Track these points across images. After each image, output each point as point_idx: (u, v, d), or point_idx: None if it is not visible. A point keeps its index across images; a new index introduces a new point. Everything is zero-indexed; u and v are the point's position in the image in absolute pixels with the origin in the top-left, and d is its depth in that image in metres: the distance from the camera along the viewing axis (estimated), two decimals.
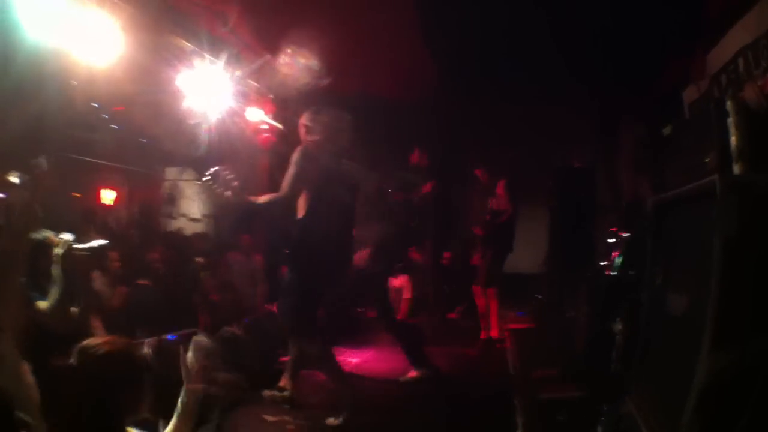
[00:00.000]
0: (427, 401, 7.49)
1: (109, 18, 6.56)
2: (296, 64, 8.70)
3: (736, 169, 3.43)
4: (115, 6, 6.58)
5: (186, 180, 14.53)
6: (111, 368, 3.27)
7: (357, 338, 10.39)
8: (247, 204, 6.83)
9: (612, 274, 7.16)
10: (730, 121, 3.44)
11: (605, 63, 9.05)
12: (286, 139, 10.30)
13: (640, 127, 9.82)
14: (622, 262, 7.02)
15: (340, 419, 6.53)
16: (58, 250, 4.78)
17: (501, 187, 10.27)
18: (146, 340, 6.60)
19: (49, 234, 5.14)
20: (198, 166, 12.53)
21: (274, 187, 12.47)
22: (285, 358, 8.59)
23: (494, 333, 10.31)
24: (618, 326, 5.65)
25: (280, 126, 11.01)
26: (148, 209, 14.87)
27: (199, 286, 10.25)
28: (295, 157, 6.59)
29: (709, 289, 3.09)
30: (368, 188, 7.58)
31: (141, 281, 9.11)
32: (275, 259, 11.99)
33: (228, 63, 8.59)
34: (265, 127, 11.00)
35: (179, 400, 3.81)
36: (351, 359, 9.35)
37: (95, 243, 5.00)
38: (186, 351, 6.78)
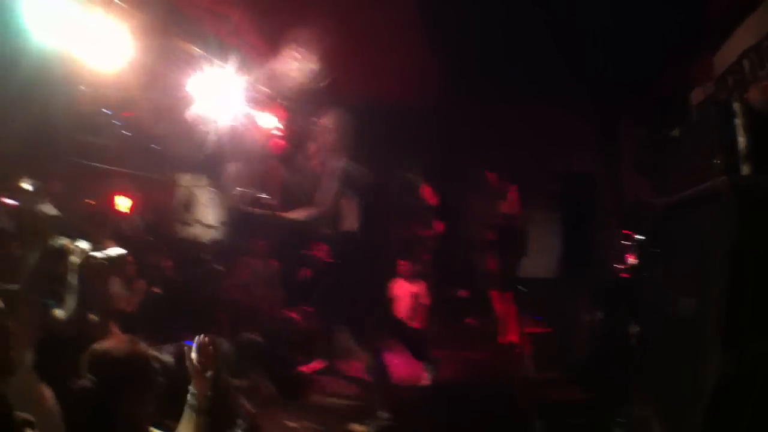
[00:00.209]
0: (444, 406, 7.48)
1: (118, 23, 6.60)
2: (303, 67, 8.72)
3: (744, 170, 3.45)
4: (124, 11, 6.62)
5: (200, 186, 14.56)
6: (123, 369, 3.29)
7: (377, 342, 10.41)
8: (285, 222, 6.81)
9: (626, 276, 7.17)
10: (737, 122, 3.46)
11: (610, 65, 9.04)
12: (296, 142, 10.33)
13: (647, 130, 9.80)
14: (638, 265, 7.03)
15: (366, 426, 6.54)
16: (74, 259, 4.79)
17: (513, 190, 10.27)
18: (165, 347, 6.66)
19: (65, 242, 5.17)
20: (211, 171, 12.57)
21: (285, 191, 12.59)
22: (305, 367, 8.66)
23: (513, 337, 10.30)
24: (630, 329, 5.66)
25: (290, 130, 11.03)
26: (161, 216, 14.93)
27: (215, 292, 10.28)
28: (337, 171, 6.57)
29: (715, 291, 3.10)
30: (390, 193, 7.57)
31: (155, 288, 9.14)
32: (292, 264, 12.04)
33: (237, 67, 8.62)
34: (276, 131, 11.02)
35: (187, 402, 3.81)
36: None
37: (112, 251, 5.02)
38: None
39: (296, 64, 8.73)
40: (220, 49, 8.38)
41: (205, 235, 14.73)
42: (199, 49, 8.10)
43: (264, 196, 6.60)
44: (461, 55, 9.70)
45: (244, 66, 8.75)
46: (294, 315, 10.38)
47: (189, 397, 3.79)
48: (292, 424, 6.67)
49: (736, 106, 3.50)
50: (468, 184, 12.05)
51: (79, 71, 7.02)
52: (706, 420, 3.02)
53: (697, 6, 6.96)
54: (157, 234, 13.48)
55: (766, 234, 3.06)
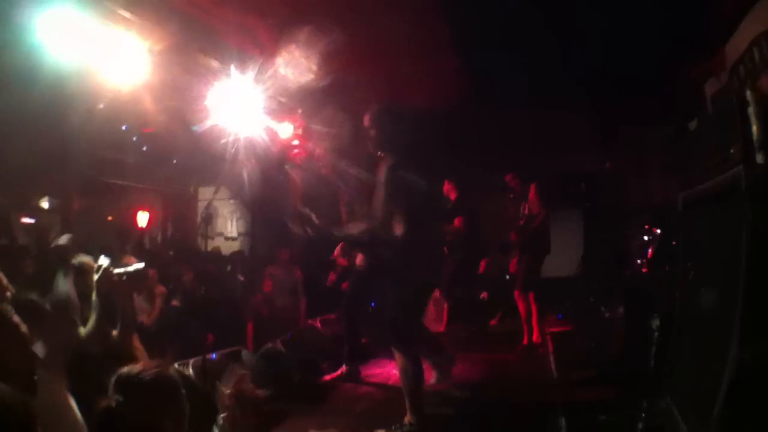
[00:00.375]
0: (469, 409, 7.45)
1: (138, 38, 6.64)
2: (321, 75, 8.73)
3: (759, 159, 3.41)
4: (143, 27, 6.66)
5: (220, 199, 14.62)
6: (156, 397, 3.17)
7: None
8: (335, 238, 6.76)
9: (647, 272, 7.14)
10: (750, 112, 3.43)
11: (628, 63, 9.03)
12: (316, 153, 10.33)
13: (668, 125, 9.77)
14: (656, 259, 7.00)
15: None
16: (94, 275, 4.80)
17: (533, 191, 10.23)
18: (191, 361, 6.68)
19: (86, 258, 5.19)
20: (231, 184, 12.62)
21: (307, 202, 12.61)
22: (329, 376, 8.65)
23: (535, 337, 10.27)
24: (654, 324, 5.64)
25: (309, 138, 11.04)
26: (183, 229, 15.01)
27: (239, 304, 10.32)
28: (386, 175, 6.36)
29: (733, 283, 3.09)
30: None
31: (177, 301, 9.17)
32: (316, 272, 12.07)
33: (257, 79, 8.63)
34: (296, 143, 11.04)
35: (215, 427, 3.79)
36: (395, 371, 9.36)
37: (132, 267, 5.03)
38: (229, 371, 6.89)
39: (318, 76, 8.73)
40: (240, 61, 8.39)
41: (227, 247, 14.81)
42: (219, 61, 8.13)
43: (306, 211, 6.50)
44: (482, 59, 9.71)
45: (264, 77, 8.75)
46: (317, 323, 10.40)
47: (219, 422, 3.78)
48: None
49: (749, 94, 3.47)
50: (488, 186, 12.03)
51: (98, 88, 7.07)
52: (722, 413, 3.00)
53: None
54: (178, 247, 13.55)
55: None
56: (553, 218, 10.46)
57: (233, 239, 15.88)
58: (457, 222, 10.09)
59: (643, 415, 4.95)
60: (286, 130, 10.56)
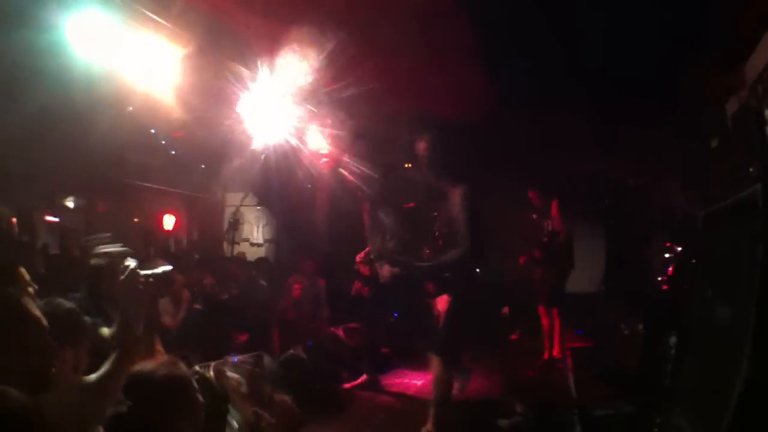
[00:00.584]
0: (489, 421, 7.44)
1: (168, 44, 6.72)
2: (351, 84, 8.76)
3: None
4: (174, 32, 6.73)
5: (247, 205, 14.70)
6: (162, 393, 3.22)
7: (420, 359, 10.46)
8: (425, 274, 6.80)
9: (667, 288, 7.13)
10: None
11: (647, 81, 9.03)
12: (342, 163, 10.37)
13: (690, 142, 9.73)
14: (677, 277, 6.99)
15: None
16: (121, 276, 4.83)
17: (554, 208, 10.23)
18: (212, 364, 6.73)
19: (112, 260, 5.23)
20: (259, 191, 12.70)
21: (333, 211, 12.65)
22: (349, 384, 8.70)
23: (556, 352, 10.25)
24: (672, 340, 5.64)
25: (339, 151, 11.07)
26: (208, 234, 15.09)
27: (262, 310, 10.36)
28: (462, 200, 6.52)
29: (748, 297, 3.10)
30: None
31: (201, 305, 9.21)
32: (339, 281, 12.11)
33: (286, 87, 8.67)
34: (325, 151, 11.06)
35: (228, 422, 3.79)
36: (415, 381, 9.38)
37: (159, 269, 5.06)
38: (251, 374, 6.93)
39: (344, 81, 8.77)
40: (269, 68, 8.44)
41: (253, 253, 14.87)
42: (248, 68, 8.18)
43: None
44: (507, 72, 9.72)
45: (294, 85, 8.79)
46: (340, 332, 10.44)
47: (232, 416, 3.78)
48: None
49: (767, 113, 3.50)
50: (511, 201, 12.01)
51: (127, 90, 7.14)
52: (731, 427, 3.01)
53: (729, 15, 6.93)
54: (204, 251, 13.63)
55: None
56: (576, 234, 10.46)
57: (259, 245, 15.95)
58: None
59: (656, 430, 4.96)
60: (315, 139, 10.60)
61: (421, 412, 7.01)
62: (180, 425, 3.24)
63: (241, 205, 14.11)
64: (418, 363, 10.07)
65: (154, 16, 6.47)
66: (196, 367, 5.64)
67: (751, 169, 3.58)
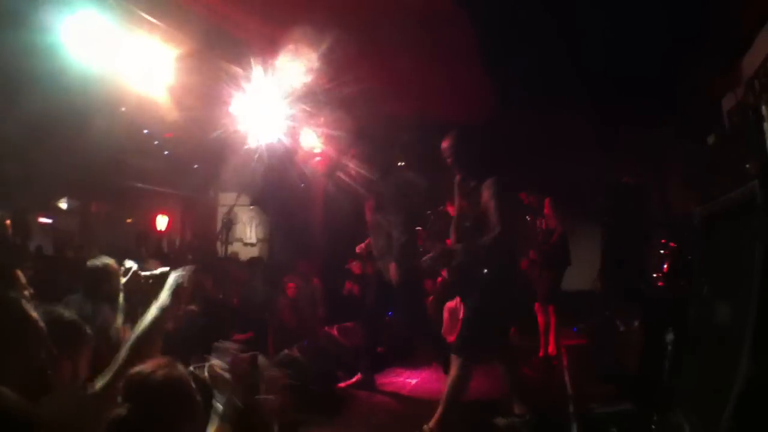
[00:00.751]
0: (485, 421, 7.42)
1: (161, 44, 6.71)
2: (344, 84, 8.75)
3: None
4: (167, 33, 6.73)
5: (240, 205, 14.68)
6: (160, 395, 3.12)
7: (415, 358, 10.45)
8: (472, 267, 6.78)
9: (663, 285, 7.14)
10: (766, 127, 3.45)
11: (644, 78, 9.04)
12: (338, 162, 10.36)
13: (687, 139, 9.76)
14: (673, 274, 7.00)
15: None
16: (122, 278, 4.83)
17: (547, 206, 10.24)
18: (207, 364, 6.70)
19: (109, 261, 5.23)
20: (252, 191, 12.69)
21: (328, 211, 12.65)
22: (344, 383, 8.69)
23: (551, 350, 10.26)
24: (669, 338, 5.65)
25: (332, 150, 11.05)
26: (201, 234, 15.08)
27: (257, 310, 10.34)
28: (496, 188, 6.46)
29: (747, 296, 3.10)
30: None
31: (196, 306, 9.18)
32: (333, 281, 12.11)
33: (279, 87, 8.65)
34: (318, 150, 11.05)
35: (213, 408, 3.76)
36: (409, 380, 9.37)
37: (158, 270, 5.06)
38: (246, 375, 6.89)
39: (337, 81, 8.77)
40: (263, 68, 8.43)
41: (246, 252, 14.87)
42: (241, 68, 8.18)
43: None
44: (506, 72, 9.73)
45: (287, 85, 8.78)
46: (334, 331, 10.42)
47: (215, 404, 3.74)
48: None
49: (765, 110, 3.50)
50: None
51: (120, 91, 7.13)
52: (729, 426, 3.01)
53: (724, 12, 6.95)
54: (197, 252, 13.61)
55: None
56: (570, 232, 10.47)
57: (252, 245, 15.96)
58: None
59: (653, 427, 4.96)
60: (308, 138, 10.59)
61: (416, 412, 7.01)
62: (180, 427, 3.22)
63: (235, 205, 14.10)
64: (412, 362, 10.09)
65: (149, 17, 6.47)
66: (191, 368, 5.62)
67: (748, 166, 3.59)
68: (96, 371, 3.65)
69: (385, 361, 9.88)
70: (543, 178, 11.28)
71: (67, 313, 3.65)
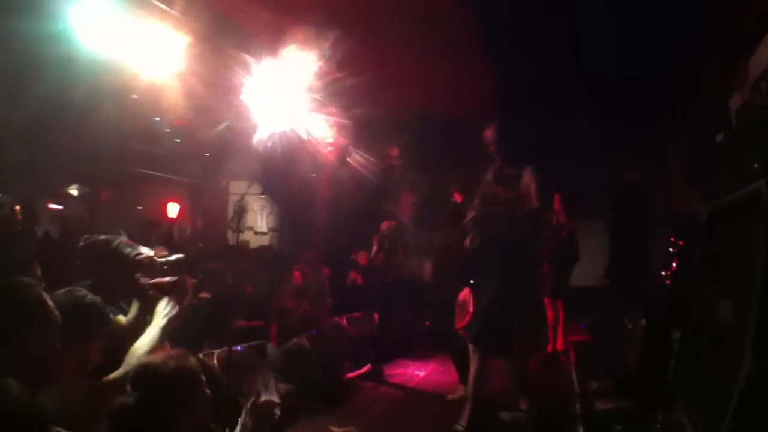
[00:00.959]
0: (492, 415, 7.41)
1: (172, 32, 6.71)
2: (355, 74, 8.74)
3: None
4: (178, 20, 6.72)
5: (251, 194, 14.68)
6: (175, 390, 3.17)
7: (422, 351, 10.48)
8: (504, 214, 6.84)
9: (670, 284, 7.12)
10: None
11: (654, 75, 9.01)
12: (348, 152, 10.37)
13: (693, 138, 9.72)
14: (680, 271, 6.99)
15: None
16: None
17: (557, 201, 10.23)
18: (216, 352, 6.72)
19: (126, 248, 5.22)
20: (263, 179, 12.68)
21: (337, 200, 12.65)
22: (353, 373, 8.71)
23: (559, 345, 10.24)
24: (674, 335, 5.64)
25: (345, 140, 11.04)
26: (212, 222, 15.11)
27: (265, 299, 10.36)
28: (536, 174, 6.71)
29: (750, 295, 3.09)
30: None
31: (205, 294, 9.18)
32: (341, 271, 12.11)
33: (291, 76, 8.64)
34: (330, 140, 11.04)
35: (241, 419, 3.77)
36: (417, 372, 9.39)
37: (173, 257, 5.06)
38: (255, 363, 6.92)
39: (353, 76, 8.77)
40: (274, 57, 8.43)
41: (256, 241, 14.89)
42: (252, 56, 8.17)
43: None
44: (509, 70, 9.70)
45: (299, 74, 8.77)
46: (343, 321, 10.43)
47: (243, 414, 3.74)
48: (336, 430, 6.68)
49: None
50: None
51: (131, 78, 7.13)
52: (732, 423, 3.01)
53: (731, 13, 6.92)
54: (208, 239, 13.63)
55: None
56: (580, 229, 10.46)
57: (263, 234, 16.00)
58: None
59: (658, 426, 4.95)
60: (320, 128, 10.58)
61: (423, 404, 7.03)
62: (186, 418, 3.22)
63: (246, 194, 14.10)
64: (420, 354, 10.10)
65: (159, 4, 6.46)
66: (200, 356, 5.64)
67: (755, 165, 3.56)
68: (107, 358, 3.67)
69: (392, 353, 9.90)
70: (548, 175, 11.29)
71: (89, 296, 3.66)
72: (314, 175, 12.55)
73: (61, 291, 3.32)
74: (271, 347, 8.18)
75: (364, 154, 10.21)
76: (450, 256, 8.20)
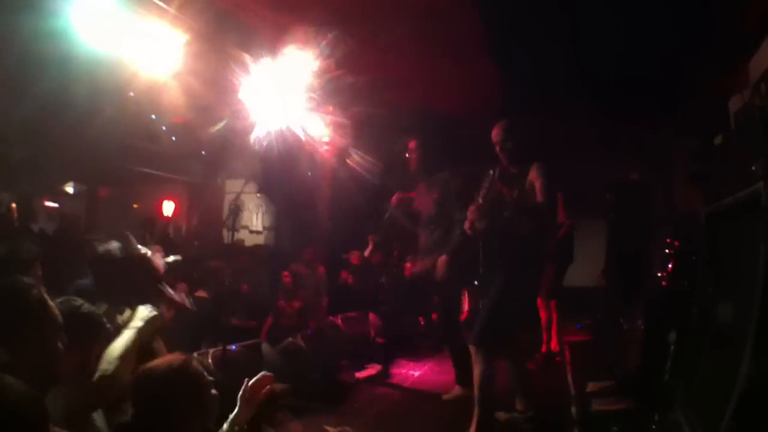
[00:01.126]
0: (489, 416, 7.38)
1: (171, 30, 6.71)
2: (353, 73, 8.73)
3: None
4: (177, 18, 6.72)
5: (247, 192, 14.67)
6: (174, 389, 3.17)
7: (419, 350, 10.49)
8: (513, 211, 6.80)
9: (667, 285, 7.13)
10: None
11: (655, 76, 9.03)
12: (345, 152, 10.36)
13: (694, 139, 9.74)
14: (677, 273, 6.99)
15: None
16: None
17: (560, 201, 10.19)
18: (211, 351, 6.72)
19: (114, 245, 5.21)
20: (259, 178, 12.68)
21: (334, 199, 12.65)
22: (361, 374, 8.71)
23: (553, 346, 10.24)
24: (672, 336, 5.65)
25: (342, 139, 11.03)
26: (208, 220, 15.09)
27: (262, 298, 10.36)
28: (543, 171, 6.59)
29: (750, 297, 3.10)
30: None
31: (201, 293, 9.17)
32: (336, 271, 12.11)
33: (289, 75, 8.63)
34: (327, 139, 11.02)
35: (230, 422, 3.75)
36: (413, 372, 9.39)
37: (171, 258, 5.06)
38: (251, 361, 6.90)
39: (347, 70, 8.76)
40: (272, 55, 8.41)
41: (251, 240, 14.87)
42: (251, 55, 8.16)
43: None
44: (511, 68, 9.70)
45: (296, 73, 8.76)
46: (338, 321, 10.43)
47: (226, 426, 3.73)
48: (332, 430, 6.67)
49: None
50: None
51: (129, 76, 7.13)
52: (730, 425, 3.01)
53: (732, 15, 6.93)
54: (203, 239, 13.62)
55: None
56: (578, 228, 10.44)
57: (258, 233, 15.98)
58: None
59: (654, 427, 4.96)
60: (317, 127, 10.57)
61: (420, 403, 7.02)
62: (191, 424, 3.23)
63: (242, 192, 14.09)
64: (416, 353, 10.11)
65: (158, 2, 6.46)
66: (195, 354, 5.63)
67: (754, 167, 3.57)
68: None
69: (389, 352, 9.90)
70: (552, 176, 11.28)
71: (85, 306, 3.66)
72: (310, 174, 12.54)
73: (57, 300, 3.31)
74: (266, 346, 8.18)
75: (364, 155, 10.20)
76: (450, 255, 8.16)
